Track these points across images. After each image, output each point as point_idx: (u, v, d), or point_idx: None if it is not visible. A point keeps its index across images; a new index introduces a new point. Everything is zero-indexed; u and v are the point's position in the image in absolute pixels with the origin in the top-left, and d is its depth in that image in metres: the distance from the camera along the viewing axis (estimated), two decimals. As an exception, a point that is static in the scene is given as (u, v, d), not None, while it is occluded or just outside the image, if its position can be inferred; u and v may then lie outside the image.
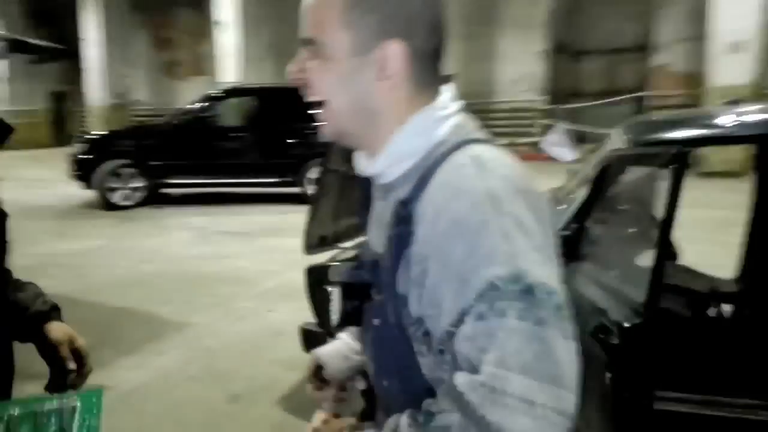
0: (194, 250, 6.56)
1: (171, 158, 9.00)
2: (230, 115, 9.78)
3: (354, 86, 0.86)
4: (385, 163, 0.89)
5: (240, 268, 5.79)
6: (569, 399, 0.71)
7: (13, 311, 1.24)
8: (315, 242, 3.03)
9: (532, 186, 0.82)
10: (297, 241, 7.32)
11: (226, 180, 9.23)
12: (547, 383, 0.69)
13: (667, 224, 1.70)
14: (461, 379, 0.72)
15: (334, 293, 0.96)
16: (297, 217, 9.27)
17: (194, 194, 9.68)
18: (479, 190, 0.77)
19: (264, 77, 14.10)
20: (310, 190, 9.03)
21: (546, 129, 13.16)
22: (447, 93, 0.90)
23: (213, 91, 10.06)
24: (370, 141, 0.90)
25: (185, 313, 4.51)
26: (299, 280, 5.38)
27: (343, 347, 1.13)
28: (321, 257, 3.04)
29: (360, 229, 3.73)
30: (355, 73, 0.86)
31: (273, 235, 7.10)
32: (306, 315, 4.58)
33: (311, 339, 2.99)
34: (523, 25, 14.04)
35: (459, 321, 0.74)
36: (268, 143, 9.15)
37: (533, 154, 11.82)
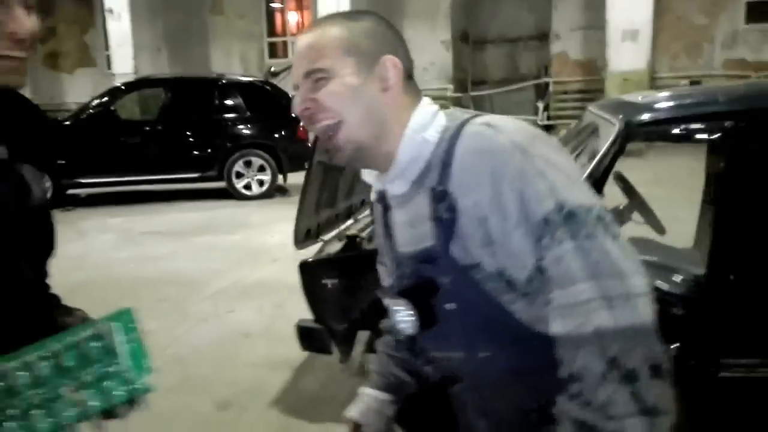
0: (123, 253, 6.13)
1: (78, 156, 8.28)
2: (141, 108, 9.22)
3: (364, 99, 0.98)
4: (404, 161, 1.00)
5: (180, 269, 5.47)
6: (637, 281, 0.86)
7: None
8: (302, 236, 2.93)
9: (539, 130, 0.97)
10: (235, 238, 7.13)
11: (142, 177, 8.65)
12: (613, 279, 0.85)
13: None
14: (556, 325, 0.88)
15: (396, 309, 0.98)
16: (225, 212, 9.03)
17: (106, 194, 9.04)
18: (505, 144, 0.91)
19: (160, 68, 13.41)
20: (237, 183, 8.74)
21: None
22: (425, 98, 1.05)
23: (120, 83, 9.43)
24: (381, 151, 1.01)
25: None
26: (253, 277, 5.29)
27: (373, 403, 1.21)
28: (303, 252, 2.92)
29: (339, 219, 3.58)
30: (363, 89, 0.99)
31: (205, 233, 6.78)
32: (268, 313, 4.49)
33: (310, 337, 2.88)
34: (427, 15, 14.23)
35: (539, 259, 0.88)
36: (184, 137, 8.70)
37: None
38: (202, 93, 8.76)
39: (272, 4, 15.35)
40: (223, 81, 9.02)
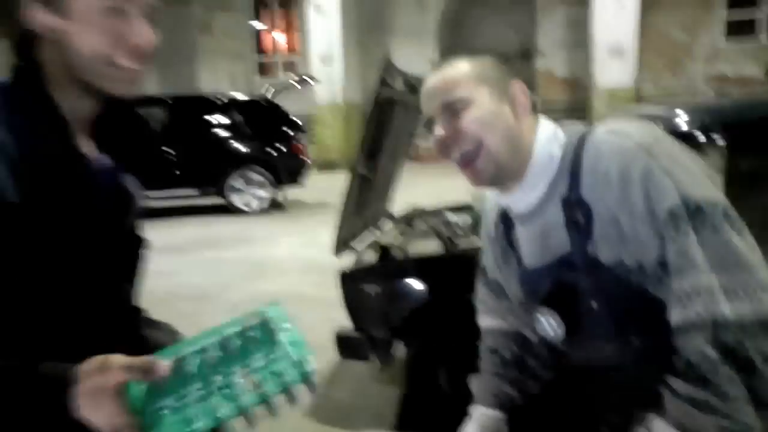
0: (128, 269, 6.08)
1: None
2: (137, 125, 9.14)
3: (501, 122, 1.06)
4: (535, 176, 1.07)
5: (192, 283, 5.46)
6: (758, 273, 0.90)
7: (149, 351, 1.17)
8: (342, 245, 2.99)
9: (661, 131, 1.03)
10: (240, 253, 7.06)
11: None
12: (737, 271, 0.89)
13: None
14: (676, 313, 0.93)
15: (539, 318, 1.06)
16: (226, 227, 8.90)
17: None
18: (630, 147, 0.98)
19: (149, 86, 13.36)
20: (236, 200, 8.74)
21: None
22: (542, 116, 1.13)
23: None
24: (514, 169, 1.08)
25: (157, 335, 4.18)
26: (264, 290, 5.27)
27: (488, 422, 1.23)
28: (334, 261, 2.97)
29: (367, 229, 3.59)
30: (499, 112, 1.07)
31: (207, 248, 6.78)
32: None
33: (349, 345, 2.92)
34: (414, 34, 14.41)
35: (663, 251, 0.94)
36: (183, 154, 8.69)
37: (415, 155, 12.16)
38: (201, 111, 8.77)
39: (258, 25, 15.41)
40: (222, 99, 9.08)
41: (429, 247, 2.98)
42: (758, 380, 0.86)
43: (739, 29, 12.43)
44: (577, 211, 1.02)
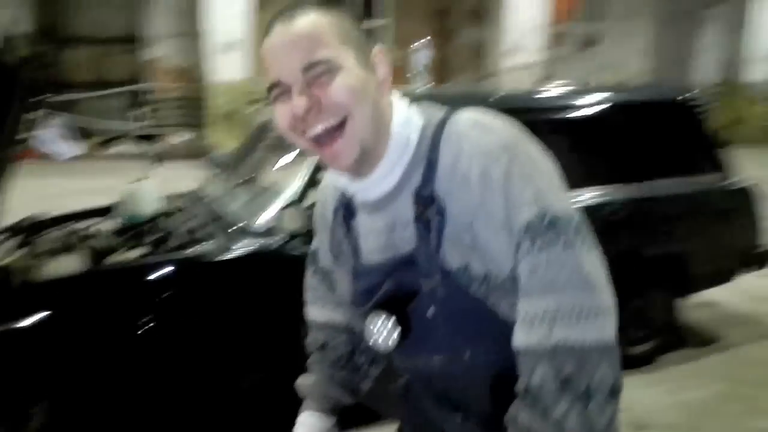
0: None
1: None
2: None
3: (370, 94, 0.90)
4: (391, 162, 0.94)
5: None
6: (604, 296, 0.86)
7: None
8: None
9: (522, 129, 0.94)
10: None
11: None
12: (584, 293, 0.84)
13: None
14: (519, 337, 0.87)
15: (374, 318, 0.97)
16: None
17: None
18: (493, 145, 0.88)
19: None
20: None
21: (40, 122, 11.71)
22: (395, 91, 0.99)
23: None
24: (375, 151, 0.93)
25: None
26: None
27: (317, 428, 1.15)
28: None
29: None
30: (366, 83, 0.90)
31: None
32: None
33: None
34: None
35: (515, 264, 0.87)
36: None
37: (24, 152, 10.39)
38: None
39: None
40: None
41: (66, 265, 2.35)
42: (597, 409, 0.83)
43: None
44: (428, 208, 0.91)
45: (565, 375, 0.82)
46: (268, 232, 2.41)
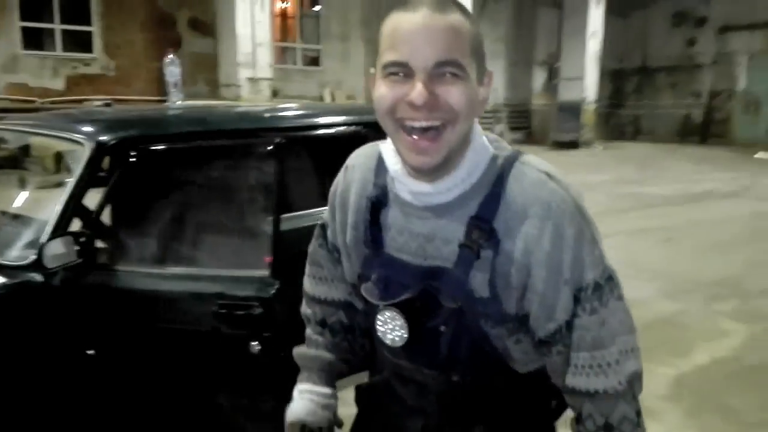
0: None
1: None
2: None
3: (473, 111, 0.94)
4: (456, 180, 0.97)
5: None
6: (635, 338, 1.01)
7: None
8: None
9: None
10: None
11: None
12: (632, 334, 0.99)
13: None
14: (589, 381, 0.98)
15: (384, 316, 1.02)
16: None
17: None
18: (569, 204, 0.95)
19: None
20: None
21: None
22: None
23: None
24: (451, 163, 0.96)
25: None
26: None
27: (316, 399, 1.18)
28: None
29: None
30: (476, 100, 0.94)
31: None
32: None
33: None
34: None
35: (574, 315, 0.96)
36: None
37: None
38: None
39: None
40: None
41: None
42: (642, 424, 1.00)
43: (36, 39, 12.32)
44: (481, 237, 0.94)
45: (638, 406, 0.98)
46: (29, 267, 2.12)
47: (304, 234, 2.98)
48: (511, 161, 0.98)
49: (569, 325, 0.96)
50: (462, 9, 0.92)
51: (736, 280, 5.37)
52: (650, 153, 15.69)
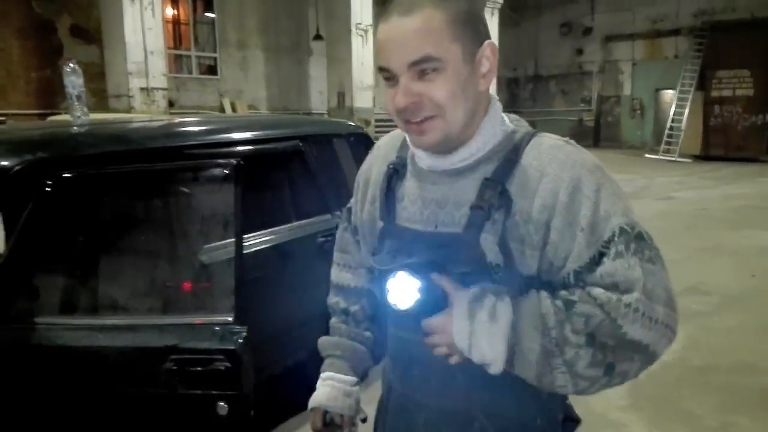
0: None
1: None
2: None
3: (468, 93, 0.96)
4: (471, 150, 1.00)
5: None
6: (675, 317, 0.96)
7: None
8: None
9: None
10: None
11: None
12: (662, 306, 0.93)
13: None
14: (599, 292, 0.92)
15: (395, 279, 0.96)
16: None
17: None
18: (588, 162, 0.98)
19: None
20: None
21: None
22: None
23: None
24: (461, 137, 0.99)
25: None
26: None
27: (338, 386, 1.19)
28: None
29: None
30: (469, 80, 0.96)
31: None
32: None
33: None
34: None
35: (593, 262, 0.93)
36: None
37: None
38: None
39: None
40: None
41: None
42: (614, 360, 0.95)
43: None
44: (493, 199, 0.96)
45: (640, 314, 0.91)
46: None
47: (264, 257, 2.66)
48: (529, 135, 1.02)
49: (580, 270, 0.94)
50: (432, 4, 0.94)
51: (658, 280, 5.51)
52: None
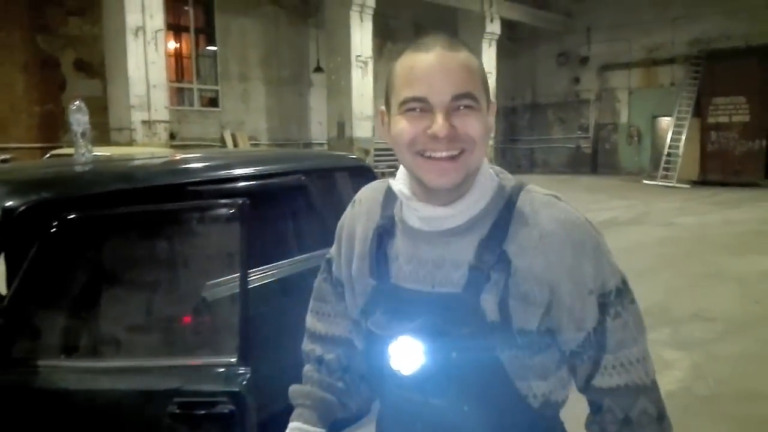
0: None
1: None
2: None
3: (486, 139, 0.99)
4: (467, 204, 1.01)
5: None
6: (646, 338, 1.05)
7: None
8: None
9: None
10: None
11: None
12: (645, 335, 1.03)
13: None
14: (612, 379, 1.01)
15: (398, 344, 0.99)
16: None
17: None
18: (581, 220, 1.01)
19: None
20: None
21: None
22: None
23: None
24: (463, 187, 1.01)
25: None
26: None
27: None
28: None
29: None
30: (487, 129, 1.00)
31: None
32: None
33: None
34: None
35: (599, 322, 0.99)
36: None
37: None
38: None
39: None
40: None
41: None
42: (667, 424, 1.04)
43: None
44: (491, 260, 0.98)
45: (660, 405, 1.02)
46: None
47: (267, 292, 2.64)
48: (517, 189, 1.04)
49: (595, 331, 0.99)
50: (468, 48, 1.00)
51: (662, 308, 5.48)
52: (546, 184, 16.24)
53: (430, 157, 0.96)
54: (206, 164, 2.70)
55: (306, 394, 1.21)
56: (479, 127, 0.97)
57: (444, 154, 0.95)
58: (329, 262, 1.25)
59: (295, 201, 3.07)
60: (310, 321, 1.28)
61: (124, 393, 1.68)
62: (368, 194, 1.18)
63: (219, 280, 2.00)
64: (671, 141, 16.73)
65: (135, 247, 2.04)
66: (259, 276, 2.60)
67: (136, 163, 2.73)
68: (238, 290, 1.71)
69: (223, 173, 2.60)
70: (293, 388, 1.23)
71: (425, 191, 1.01)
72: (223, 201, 1.83)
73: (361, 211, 1.16)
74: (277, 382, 2.52)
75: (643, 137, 19.07)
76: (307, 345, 1.27)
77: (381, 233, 1.08)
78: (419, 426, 1.07)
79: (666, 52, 18.29)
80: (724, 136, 16.62)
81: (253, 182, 2.71)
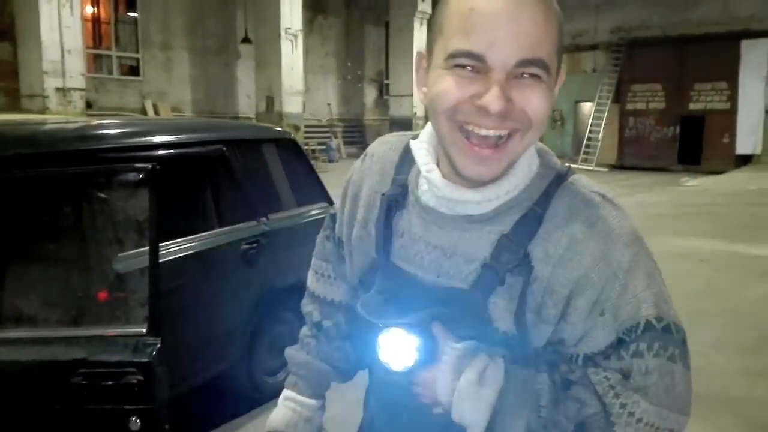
0: None
1: None
2: None
3: (545, 121, 0.80)
4: (499, 192, 0.83)
5: None
6: (683, 422, 0.83)
7: None
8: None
9: None
10: None
11: None
12: (674, 413, 0.81)
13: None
14: (600, 379, 0.80)
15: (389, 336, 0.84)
16: None
17: None
18: (626, 231, 0.82)
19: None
20: None
21: None
22: None
23: None
24: (502, 173, 0.83)
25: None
26: None
27: (299, 410, 1.08)
28: None
29: None
30: (550, 108, 0.80)
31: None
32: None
33: None
34: None
35: (610, 347, 0.80)
36: None
37: None
38: None
39: None
40: None
41: None
42: None
43: None
44: (509, 261, 0.81)
45: None
46: None
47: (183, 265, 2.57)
48: (559, 179, 0.86)
49: (588, 358, 0.82)
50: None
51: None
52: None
53: (469, 137, 0.77)
54: (119, 131, 2.58)
55: (302, 363, 1.11)
56: (543, 105, 0.77)
57: (491, 132, 0.76)
58: (333, 218, 1.11)
59: (215, 172, 2.99)
60: (311, 280, 1.16)
61: (23, 364, 1.60)
62: (383, 151, 1.00)
63: (130, 251, 1.93)
64: (591, 126, 17.38)
65: (41, 214, 1.93)
66: (174, 249, 2.53)
67: (43, 127, 2.57)
68: (148, 260, 1.65)
69: (136, 140, 2.49)
70: (290, 352, 1.14)
71: (452, 168, 0.83)
72: (132, 165, 1.76)
73: (372, 169, 0.99)
74: (189, 353, 2.49)
75: (566, 121, 19.69)
76: (306, 305, 1.16)
77: (390, 203, 0.92)
78: (405, 417, 0.97)
79: (589, 38, 18.87)
80: (641, 122, 17.42)
81: (169, 151, 2.62)
